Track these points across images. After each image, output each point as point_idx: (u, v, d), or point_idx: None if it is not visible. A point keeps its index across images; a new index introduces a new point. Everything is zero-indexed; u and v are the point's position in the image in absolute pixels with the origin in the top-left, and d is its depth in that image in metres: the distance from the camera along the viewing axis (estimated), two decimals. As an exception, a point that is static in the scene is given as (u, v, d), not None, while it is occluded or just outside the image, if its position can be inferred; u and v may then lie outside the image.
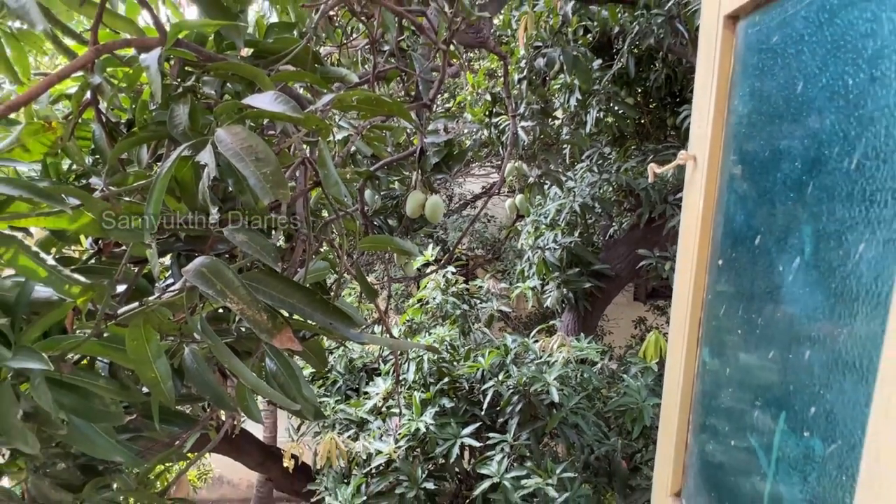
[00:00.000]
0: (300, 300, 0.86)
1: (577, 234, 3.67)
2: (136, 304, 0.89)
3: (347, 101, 1.05)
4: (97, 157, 1.12)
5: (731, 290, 0.65)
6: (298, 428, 3.57)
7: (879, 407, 0.35)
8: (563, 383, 2.98)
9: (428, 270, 3.54)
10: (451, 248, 3.93)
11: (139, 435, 1.18)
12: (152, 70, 0.84)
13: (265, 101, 0.78)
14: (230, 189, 1.01)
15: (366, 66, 2.10)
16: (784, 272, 0.51)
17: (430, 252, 3.69)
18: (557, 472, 2.70)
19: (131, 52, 1.05)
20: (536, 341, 3.33)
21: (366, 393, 3.31)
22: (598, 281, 3.82)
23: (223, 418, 1.81)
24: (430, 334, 3.53)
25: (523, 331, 4.63)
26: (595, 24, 3.26)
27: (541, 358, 3.18)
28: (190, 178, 0.94)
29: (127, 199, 0.96)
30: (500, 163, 4.09)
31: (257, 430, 4.79)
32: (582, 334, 3.75)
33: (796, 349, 0.49)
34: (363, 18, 1.30)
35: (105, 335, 0.91)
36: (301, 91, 1.40)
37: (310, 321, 0.94)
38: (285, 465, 3.30)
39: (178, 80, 0.98)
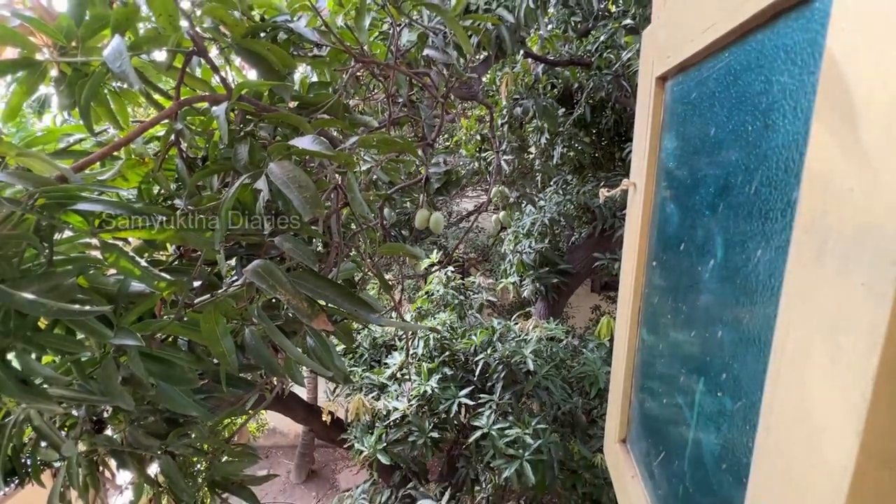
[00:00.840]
0: (333, 293, 0.86)
1: (546, 241, 3.65)
2: (209, 295, 0.89)
3: (370, 142, 1.05)
4: (179, 183, 1.12)
5: (662, 284, 0.65)
6: (334, 391, 3.55)
7: (772, 373, 0.35)
8: (536, 356, 2.97)
9: (433, 270, 3.53)
10: (451, 253, 3.92)
11: (210, 395, 1.17)
12: (221, 119, 0.85)
13: (307, 142, 0.78)
14: (280, 208, 1.01)
15: (384, 114, 2.11)
16: (702, 271, 0.51)
17: (434, 256, 3.68)
18: (533, 424, 2.69)
19: (205, 105, 1.06)
20: (516, 323, 3.31)
21: (385, 363, 3.30)
22: (563, 277, 3.81)
23: (275, 383, 1.80)
24: (434, 318, 3.52)
25: (506, 315, 4.62)
26: (559, 81, 3.26)
27: (520, 336, 3.16)
28: (250, 200, 0.94)
29: (201, 216, 0.96)
30: (487, 187, 4.09)
31: (301, 392, 4.77)
32: (551, 318, 3.73)
33: (711, 329, 0.49)
34: (381, 78, 1.30)
35: (184, 319, 0.91)
36: (334, 133, 1.41)
37: (340, 309, 0.94)
38: (324, 419, 3.28)
39: (241, 125, 0.98)
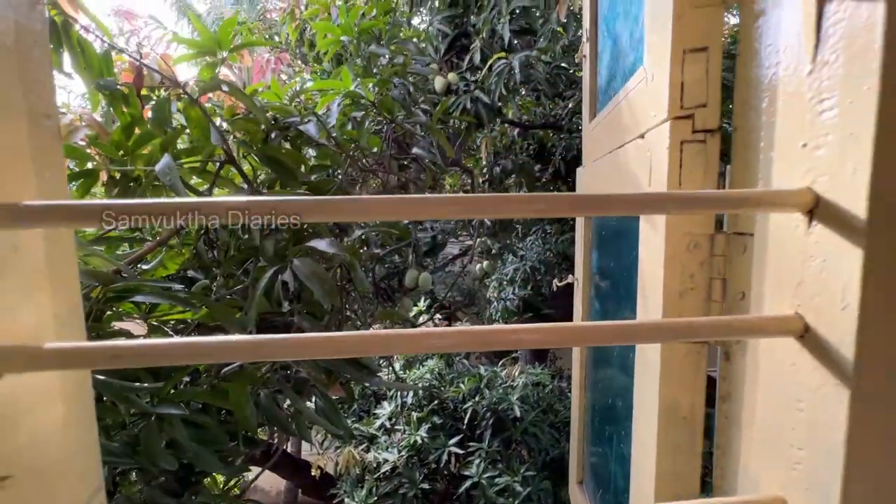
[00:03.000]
0: (342, 363, 1.05)
1: (529, 287, 3.90)
2: (238, 366, 1.07)
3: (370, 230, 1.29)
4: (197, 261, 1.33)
5: (594, 353, 0.87)
6: (322, 443, 3.59)
7: (635, 432, 0.56)
8: (523, 402, 3.11)
9: (420, 320, 3.71)
10: (440, 301, 4.12)
11: (219, 452, 1.31)
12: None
13: (324, 245, 1.00)
14: (292, 290, 1.22)
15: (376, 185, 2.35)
16: (610, 349, 0.73)
17: (422, 303, 3.87)
18: (522, 471, 2.79)
19: (231, 200, 1.28)
20: (503, 369, 3.47)
21: (374, 414, 3.38)
22: (547, 322, 4.02)
23: (274, 440, 1.93)
24: (423, 366, 3.65)
25: (494, 360, 4.76)
26: (535, 141, 3.63)
27: (506, 383, 3.32)
28: (271, 286, 1.15)
29: (229, 297, 1.16)
30: (472, 232, 4.35)
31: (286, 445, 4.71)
32: (536, 362, 3.91)
33: (615, 398, 0.70)
34: (377, 166, 1.55)
35: (210, 387, 1.08)
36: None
37: (346, 374, 1.13)
38: (312, 473, 3.31)
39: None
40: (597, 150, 0.72)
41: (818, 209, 0.29)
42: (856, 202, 0.26)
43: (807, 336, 0.30)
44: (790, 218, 0.31)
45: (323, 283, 0.96)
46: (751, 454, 0.36)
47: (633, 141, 0.50)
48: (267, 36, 3.83)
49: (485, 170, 3.34)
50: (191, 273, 1.21)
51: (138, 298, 1.01)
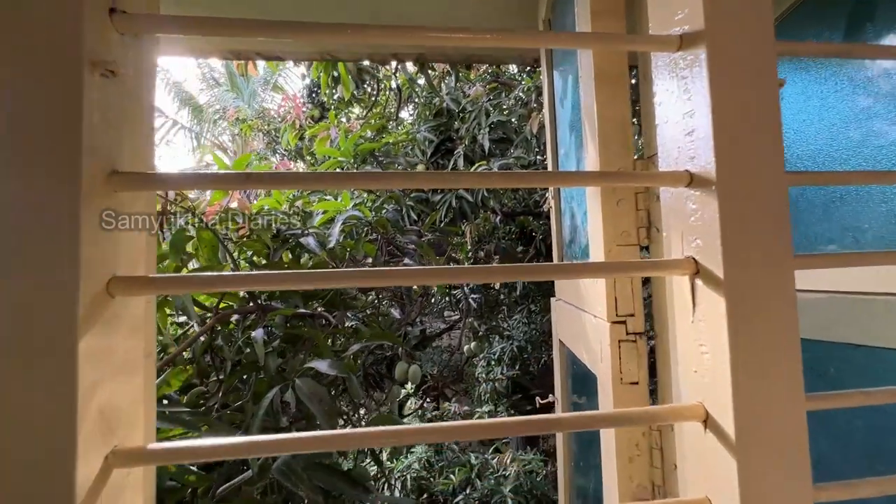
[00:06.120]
0: (338, 482, 1.10)
1: (517, 367, 3.93)
2: (234, 485, 1.10)
3: (364, 336, 1.39)
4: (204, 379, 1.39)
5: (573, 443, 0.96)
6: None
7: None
8: (516, 493, 3.02)
9: (409, 403, 3.67)
10: (428, 382, 4.10)
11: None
12: (259, 341, 1.16)
13: (324, 366, 1.09)
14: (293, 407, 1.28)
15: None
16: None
17: (410, 386, 3.85)
18: (517, 574, 2.65)
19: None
20: (493, 456, 3.39)
21: (360, 511, 3.22)
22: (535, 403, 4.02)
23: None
24: (411, 453, 3.54)
25: (485, 443, 4.62)
26: (516, 225, 3.89)
27: (498, 472, 3.23)
28: (271, 400, 1.21)
29: (231, 413, 1.22)
30: (457, 312, 4.44)
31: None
32: (528, 446, 3.82)
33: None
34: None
35: (206, 508, 1.10)
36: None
37: (342, 493, 1.16)
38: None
39: (269, 336, 1.30)
40: (564, 294, 0.87)
41: (709, 420, 0.42)
42: (727, 421, 0.39)
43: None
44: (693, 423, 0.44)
45: (322, 404, 1.04)
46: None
47: (589, 315, 0.64)
48: (265, 131, 4.16)
49: (469, 253, 3.53)
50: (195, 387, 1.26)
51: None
